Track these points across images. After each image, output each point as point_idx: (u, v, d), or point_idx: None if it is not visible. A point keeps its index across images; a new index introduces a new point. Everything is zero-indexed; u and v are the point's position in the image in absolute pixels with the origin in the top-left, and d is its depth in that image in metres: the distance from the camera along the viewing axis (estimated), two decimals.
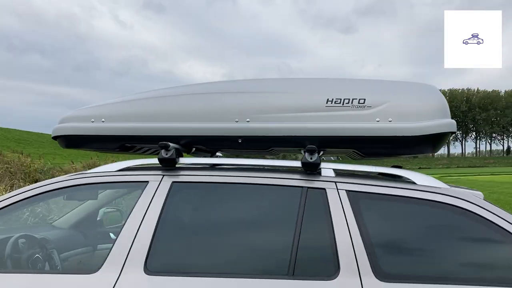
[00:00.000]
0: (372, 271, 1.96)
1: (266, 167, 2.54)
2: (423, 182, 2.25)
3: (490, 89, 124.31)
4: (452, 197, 2.15)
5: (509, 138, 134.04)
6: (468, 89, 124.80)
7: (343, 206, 2.10)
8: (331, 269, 1.99)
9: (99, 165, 2.45)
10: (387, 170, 2.41)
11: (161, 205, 2.15)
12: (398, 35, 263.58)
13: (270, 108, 2.37)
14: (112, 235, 3.44)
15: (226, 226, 2.31)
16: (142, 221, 2.10)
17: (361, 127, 2.30)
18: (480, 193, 2.26)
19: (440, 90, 2.78)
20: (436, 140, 2.36)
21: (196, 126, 2.38)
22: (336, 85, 2.51)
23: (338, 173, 2.34)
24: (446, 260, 2.08)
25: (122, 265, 1.98)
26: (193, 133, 2.39)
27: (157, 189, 2.20)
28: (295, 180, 2.25)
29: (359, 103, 2.32)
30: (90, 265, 2.84)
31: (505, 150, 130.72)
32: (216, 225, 2.32)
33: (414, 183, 2.28)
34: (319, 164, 2.26)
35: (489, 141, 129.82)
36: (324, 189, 2.18)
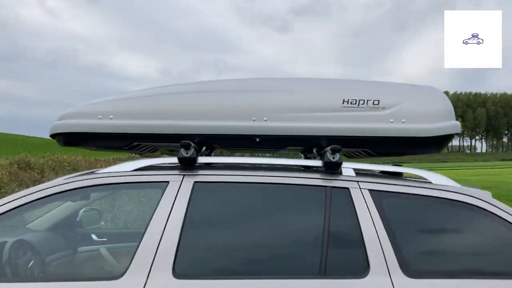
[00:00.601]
0: (400, 268, 2.03)
1: (287, 167, 2.54)
2: (438, 181, 2.36)
3: None
4: (466, 196, 2.27)
5: None
6: None
7: (368, 205, 2.17)
8: (361, 267, 2.04)
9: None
10: (401, 169, 2.48)
11: (185, 206, 2.10)
12: (331, 36, 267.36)
13: (287, 108, 2.38)
14: (94, 236, 3.37)
15: (252, 226, 2.28)
16: (166, 223, 2.04)
17: (377, 128, 2.39)
18: (489, 192, 2.30)
19: None
20: (443, 141, 2.51)
21: (213, 124, 2.33)
22: (351, 86, 2.56)
23: (358, 172, 2.38)
24: (465, 255, 2.22)
25: (149, 269, 1.93)
26: (209, 132, 2.34)
27: (179, 189, 2.16)
28: (318, 180, 2.27)
29: (373, 104, 2.41)
30: (113, 270, 2.77)
31: None
32: (242, 226, 2.29)
33: (430, 182, 2.38)
34: (341, 164, 2.30)
35: None
36: (347, 188, 2.23)
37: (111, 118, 2.33)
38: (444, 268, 2.12)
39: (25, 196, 2.07)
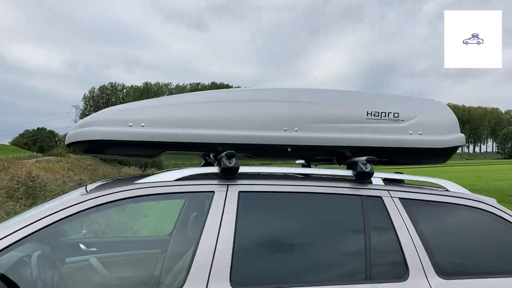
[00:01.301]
0: (434, 269, 2.16)
1: (321, 176, 2.58)
2: (453, 189, 2.56)
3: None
4: (478, 202, 2.47)
5: None
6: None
7: (400, 212, 2.29)
8: (401, 271, 2.15)
9: None
10: (424, 179, 2.63)
11: (234, 216, 2.10)
12: (247, 36, 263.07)
13: (316, 118, 2.45)
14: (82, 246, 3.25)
15: (299, 235, 2.32)
16: (218, 234, 2.04)
17: (397, 139, 2.53)
18: (493, 199, 2.56)
19: None
20: (452, 151, 2.71)
21: (246, 134, 2.35)
22: (373, 99, 2.67)
23: (386, 181, 2.52)
24: (484, 254, 2.42)
25: (207, 280, 1.93)
26: (243, 141, 2.35)
27: (226, 199, 2.15)
28: (353, 189, 2.37)
29: (394, 116, 2.53)
30: (109, 281, 2.72)
31: None
32: (290, 235, 2.32)
33: (447, 190, 2.57)
34: (373, 174, 2.40)
35: None
36: (380, 197, 2.34)
37: (142, 126, 2.27)
38: (469, 268, 2.32)
39: (62, 209, 1.98)
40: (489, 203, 2.48)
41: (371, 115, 2.50)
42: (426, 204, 2.41)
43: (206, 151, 2.48)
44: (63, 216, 1.95)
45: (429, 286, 2.13)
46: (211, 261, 1.96)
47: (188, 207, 2.99)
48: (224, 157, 2.21)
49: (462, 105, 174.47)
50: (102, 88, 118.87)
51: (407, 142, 2.54)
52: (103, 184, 2.50)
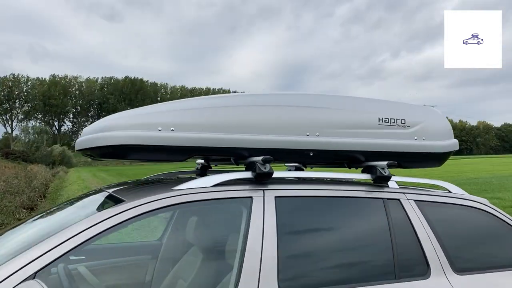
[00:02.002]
0: (450, 266, 2.29)
1: (344, 180, 2.68)
2: (454, 190, 2.73)
3: (240, 91, 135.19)
4: (476, 202, 2.64)
5: None
6: (224, 90, 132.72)
7: (416, 213, 2.43)
8: (424, 269, 2.26)
9: None
10: (427, 181, 2.77)
11: (275, 221, 2.13)
12: (164, 30, 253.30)
13: (335, 124, 2.53)
14: None
15: (334, 237, 2.41)
16: (263, 239, 2.07)
17: (405, 144, 2.65)
18: (485, 199, 2.73)
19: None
20: (449, 156, 2.89)
21: (272, 139, 2.37)
22: (384, 105, 2.79)
23: (400, 185, 2.64)
24: (487, 249, 2.59)
25: (257, 286, 1.94)
26: (268, 146, 2.36)
27: (264, 204, 2.17)
28: (376, 192, 2.48)
29: (401, 123, 2.67)
30: None
31: None
32: (325, 237, 2.39)
33: (449, 191, 2.73)
34: (391, 177, 2.50)
35: None
36: (398, 199, 2.46)
37: (172, 130, 2.23)
38: (477, 263, 2.45)
39: (101, 221, 1.91)
40: (484, 202, 2.66)
41: (383, 121, 2.62)
42: (437, 205, 2.55)
43: (230, 155, 2.46)
44: (103, 229, 1.87)
45: (448, 283, 2.24)
46: (259, 266, 1.99)
47: (203, 214, 2.90)
48: (260, 162, 2.23)
49: None
50: (3, 80, 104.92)
51: (413, 147, 2.68)
52: (125, 189, 2.47)
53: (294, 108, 2.51)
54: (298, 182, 2.50)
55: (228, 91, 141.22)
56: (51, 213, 2.60)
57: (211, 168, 2.99)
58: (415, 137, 2.68)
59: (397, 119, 2.65)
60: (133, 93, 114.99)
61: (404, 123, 2.67)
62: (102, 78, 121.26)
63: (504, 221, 2.61)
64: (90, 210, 2.29)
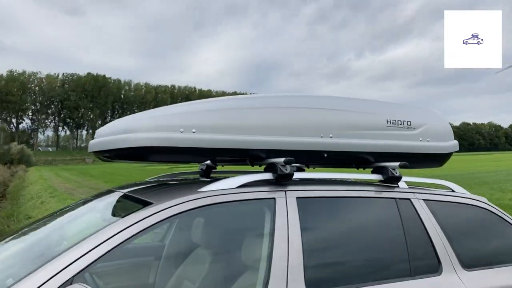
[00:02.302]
0: (459, 263, 2.37)
1: (357, 181, 2.72)
2: (458, 190, 2.83)
3: (205, 89, 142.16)
4: (477, 201, 2.74)
5: None
6: (189, 87, 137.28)
7: (426, 212, 2.48)
8: (436, 266, 2.33)
9: None
10: (431, 181, 2.85)
11: (298, 221, 2.16)
12: (128, 26, 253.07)
13: (347, 126, 2.57)
14: None
15: (353, 237, 2.44)
16: (288, 240, 2.09)
17: (411, 145, 2.72)
18: (485, 198, 2.83)
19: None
20: (450, 156, 2.98)
21: (292, 140, 2.40)
22: (391, 108, 2.87)
23: (409, 185, 2.69)
24: (493, 246, 2.69)
25: (285, 286, 1.97)
26: (287, 147, 2.38)
27: (287, 205, 2.19)
28: (389, 192, 2.53)
29: (407, 124, 2.73)
30: None
31: None
32: (346, 237, 2.43)
33: (453, 190, 2.82)
34: (401, 178, 2.57)
35: None
36: (409, 199, 2.52)
37: (193, 132, 2.21)
38: (482, 259, 2.53)
39: (135, 224, 1.88)
40: (483, 201, 2.76)
41: (390, 123, 2.68)
42: (443, 204, 2.62)
43: (249, 157, 2.47)
44: (136, 231, 1.84)
45: (458, 279, 2.32)
46: (286, 267, 2.01)
47: (228, 215, 2.85)
48: (282, 163, 2.24)
49: None
50: None
51: (419, 148, 2.75)
52: (146, 191, 2.47)
53: (310, 110, 2.55)
54: (316, 183, 2.53)
55: (194, 89, 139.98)
56: (71, 215, 2.63)
57: (215, 169, 2.97)
58: (420, 138, 2.76)
59: (403, 121, 2.72)
60: (96, 89, 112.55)
61: (410, 125, 2.74)
62: (63, 74, 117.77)
63: (502, 217, 2.73)
64: (117, 212, 2.37)
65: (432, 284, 2.27)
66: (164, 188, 2.55)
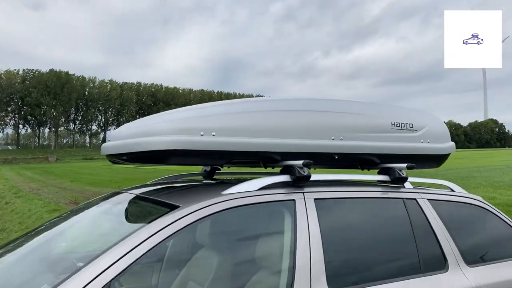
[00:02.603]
0: (463, 260, 2.42)
1: (368, 182, 2.75)
2: (457, 189, 2.90)
3: (172, 86, 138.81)
4: (474, 199, 2.83)
5: None
6: (156, 85, 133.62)
7: (431, 211, 2.56)
8: (442, 263, 2.39)
9: None
10: (436, 181, 2.91)
11: (317, 222, 2.19)
12: (92, 21, 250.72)
13: (356, 128, 2.64)
14: None
15: (368, 236, 2.47)
16: (309, 241, 2.13)
17: (413, 147, 2.79)
18: (480, 197, 2.90)
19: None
20: (447, 157, 3.07)
21: (309, 143, 2.46)
22: (395, 110, 2.93)
23: (414, 184, 2.74)
24: (491, 242, 2.76)
25: (309, 286, 2.01)
26: (303, 150, 2.42)
27: (306, 207, 2.22)
28: (397, 193, 2.59)
29: (410, 127, 2.81)
30: None
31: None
32: (360, 237, 2.45)
33: (452, 190, 2.88)
34: (407, 178, 2.62)
35: None
36: (415, 199, 2.59)
37: (213, 135, 2.20)
38: (484, 255, 2.58)
39: (166, 226, 1.83)
40: (480, 199, 2.85)
41: (395, 126, 2.78)
42: (446, 204, 2.72)
43: (265, 159, 2.46)
44: (166, 236, 1.80)
45: (463, 275, 2.38)
46: (309, 268, 2.06)
47: (249, 217, 2.84)
48: (300, 166, 2.28)
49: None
50: None
51: (421, 149, 2.84)
52: (166, 193, 2.47)
53: (322, 113, 2.63)
54: (330, 184, 2.56)
55: (161, 86, 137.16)
56: (94, 218, 2.63)
57: (219, 170, 2.99)
58: (422, 140, 2.85)
59: (406, 123, 2.82)
60: (59, 86, 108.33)
61: (412, 127, 2.83)
62: (24, 70, 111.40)
63: (496, 215, 2.84)
64: (142, 215, 2.38)
65: (440, 280, 2.34)
66: (184, 190, 2.56)
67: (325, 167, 3.13)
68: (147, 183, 2.86)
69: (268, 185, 2.24)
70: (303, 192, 2.26)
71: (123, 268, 1.67)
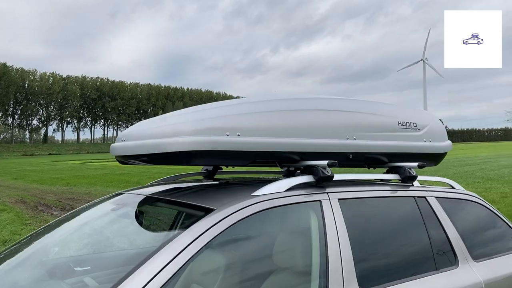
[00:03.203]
0: (470, 255, 2.50)
1: (382, 181, 2.82)
2: (457, 186, 2.98)
3: (118, 80, 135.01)
4: (472, 196, 2.94)
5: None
6: (101, 78, 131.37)
7: (439, 209, 2.61)
8: (453, 259, 2.46)
9: None
10: (436, 179, 3.03)
11: (343, 222, 2.23)
12: (35, 12, 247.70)
13: (367, 127, 2.67)
14: None
15: (390, 235, 2.56)
16: (339, 241, 2.17)
17: (417, 145, 2.86)
18: (475, 193, 3.04)
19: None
20: (444, 156, 3.15)
21: (323, 142, 2.46)
22: (400, 110, 2.98)
23: (422, 184, 2.84)
24: (490, 237, 2.88)
25: (342, 286, 2.04)
26: (322, 149, 2.44)
27: (332, 207, 2.26)
28: (408, 191, 2.65)
29: (414, 126, 2.88)
30: None
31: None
32: (383, 235, 2.53)
33: (453, 187, 2.95)
34: (417, 177, 2.68)
35: (116, 128, 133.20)
36: (424, 197, 2.65)
37: (238, 135, 2.18)
38: (487, 249, 2.67)
39: (206, 231, 1.82)
40: (476, 196, 2.97)
41: (401, 125, 2.82)
42: (450, 201, 2.79)
43: (285, 159, 2.48)
44: (207, 241, 1.78)
45: (472, 270, 2.45)
46: (341, 268, 2.10)
47: (278, 219, 2.71)
48: (323, 166, 2.31)
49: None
50: None
51: (424, 148, 2.91)
52: (191, 196, 2.48)
53: (338, 112, 2.65)
54: (350, 184, 2.63)
55: (107, 80, 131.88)
56: (125, 220, 2.69)
57: (221, 169, 3.02)
58: (424, 139, 2.93)
59: (411, 123, 2.88)
60: None
61: (416, 126, 2.90)
62: None
63: (491, 210, 2.94)
64: (176, 219, 2.47)
65: (453, 276, 2.43)
66: (208, 191, 2.56)
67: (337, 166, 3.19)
68: (149, 183, 2.85)
69: (297, 185, 2.26)
70: (327, 193, 2.28)
71: (171, 275, 1.62)
